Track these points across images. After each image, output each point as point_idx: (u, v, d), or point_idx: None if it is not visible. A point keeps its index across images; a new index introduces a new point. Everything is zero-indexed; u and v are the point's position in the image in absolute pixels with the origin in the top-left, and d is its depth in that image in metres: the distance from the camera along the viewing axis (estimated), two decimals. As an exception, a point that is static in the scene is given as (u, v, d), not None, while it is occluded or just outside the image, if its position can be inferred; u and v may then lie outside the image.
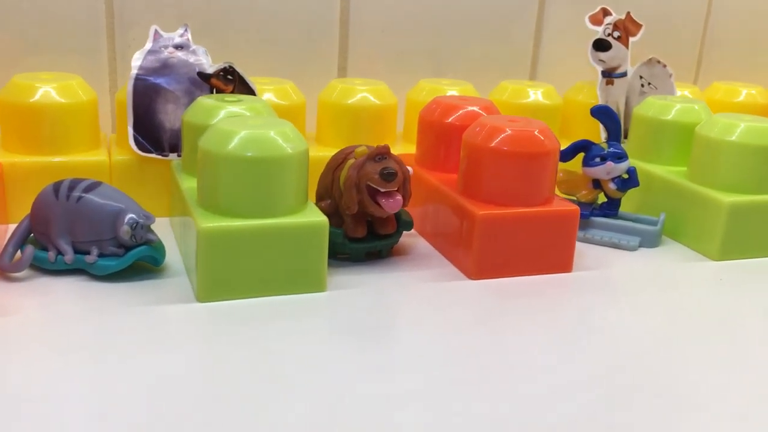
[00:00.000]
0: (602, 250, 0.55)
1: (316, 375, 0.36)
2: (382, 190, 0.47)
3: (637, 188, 0.60)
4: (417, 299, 0.46)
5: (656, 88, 0.68)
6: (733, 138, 0.54)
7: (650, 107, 0.62)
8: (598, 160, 0.56)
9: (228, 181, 0.43)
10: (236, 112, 0.49)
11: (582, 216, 0.57)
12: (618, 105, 0.67)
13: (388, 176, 0.46)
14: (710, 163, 0.56)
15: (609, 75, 0.66)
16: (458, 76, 0.71)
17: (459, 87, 0.64)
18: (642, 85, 0.68)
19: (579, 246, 0.55)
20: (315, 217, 0.44)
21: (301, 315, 0.42)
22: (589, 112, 0.57)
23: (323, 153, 0.53)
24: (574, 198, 0.58)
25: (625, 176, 0.57)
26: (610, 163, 0.56)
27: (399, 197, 0.47)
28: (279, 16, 0.64)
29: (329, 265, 0.47)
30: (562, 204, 0.50)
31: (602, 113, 0.56)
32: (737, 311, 0.47)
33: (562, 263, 0.50)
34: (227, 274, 0.42)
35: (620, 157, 0.56)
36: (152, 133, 0.53)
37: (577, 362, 0.39)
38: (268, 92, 0.57)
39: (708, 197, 0.55)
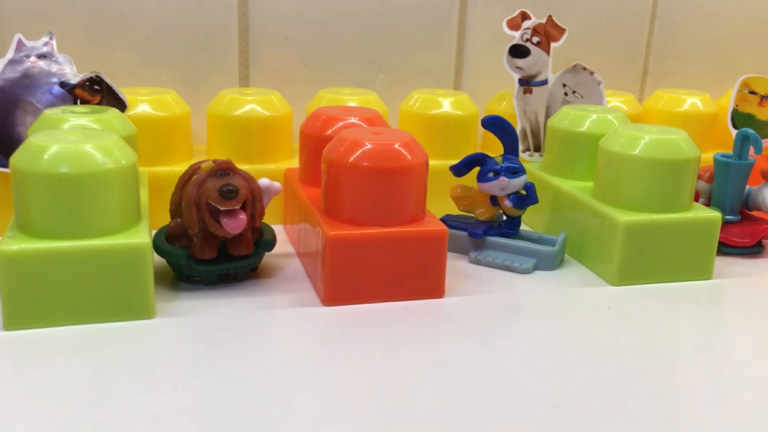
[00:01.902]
0: (493, 273, 0.51)
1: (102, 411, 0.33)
2: (222, 208, 0.43)
3: (550, 206, 0.56)
4: (249, 328, 0.42)
5: (582, 97, 0.63)
6: (636, 152, 0.50)
7: (564, 118, 0.58)
8: (491, 175, 0.52)
9: (36, 199, 0.40)
10: (81, 125, 0.46)
11: (474, 235, 0.53)
12: (537, 116, 0.62)
13: (227, 193, 0.43)
14: (613, 179, 0.51)
15: (527, 83, 0.62)
16: (372, 86, 0.67)
17: (360, 97, 0.61)
18: (566, 94, 0.63)
19: (469, 268, 0.51)
20: (136, 238, 0.41)
21: (119, 344, 0.39)
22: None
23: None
24: (473, 216, 0.55)
25: (523, 192, 0.53)
26: (503, 179, 0.52)
27: (242, 216, 0.44)
28: (177, 26, 0.61)
29: (177, 288, 0.44)
30: (431, 223, 0.46)
31: (494, 125, 0.52)
32: (611, 347, 0.42)
33: (432, 288, 0.46)
34: (33, 300, 0.39)
35: (515, 171, 0.52)
36: (10, 146, 0.51)
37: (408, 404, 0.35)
38: (143, 103, 0.54)
39: (607, 216, 0.50)
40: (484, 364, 0.39)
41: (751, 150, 0.55)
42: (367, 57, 0.67)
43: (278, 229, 0.55)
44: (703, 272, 0.51)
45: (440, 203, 0.56)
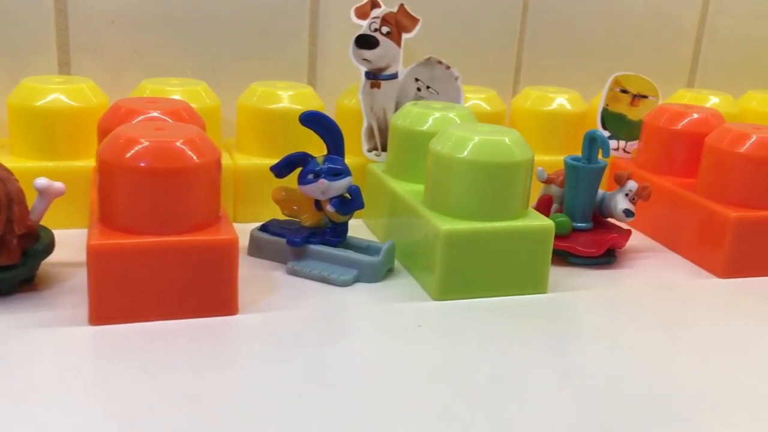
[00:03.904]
0: (309, 285, 0.46)
1: None
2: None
3: (387, 211, 0.51)
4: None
5: (437, 93, 0.59)
6: (464, 155, 0.45)
7: (406, 115, 0.53)
8: (311, 177, 0.47)
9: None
10: None
11: (293, 243, 0.48)
12: (386, 112, 0.58)
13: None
14: (441, 184, 0.47)
15: (375, 77, 0.57)
16: (214, 77, 0.61)
17: (187, 88, 0.55)
18: (419, 89, 0.59)
19: (284, 280, 0.47)
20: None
21: None
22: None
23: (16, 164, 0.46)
24: (299, 221, 0.50)
25: (347, 196, 0.48)
26: (323, 181, 0.47)
27: (-9, 222, 0.39)
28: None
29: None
30: (221, 231, 0.41)
31: (312, 121, 0.47)
32: (399, 372, 0.37)
33: (223, 304, 0.41)
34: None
35: (338, 173, 0.47)
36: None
37: None
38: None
39: (430, 223, 0.46)
40: (245, 396, 0.34)
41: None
42: (208, 45, 0.61)
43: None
44: (537, 285, 0.47)
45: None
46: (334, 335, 0.41)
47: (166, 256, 0.39)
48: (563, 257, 0.52)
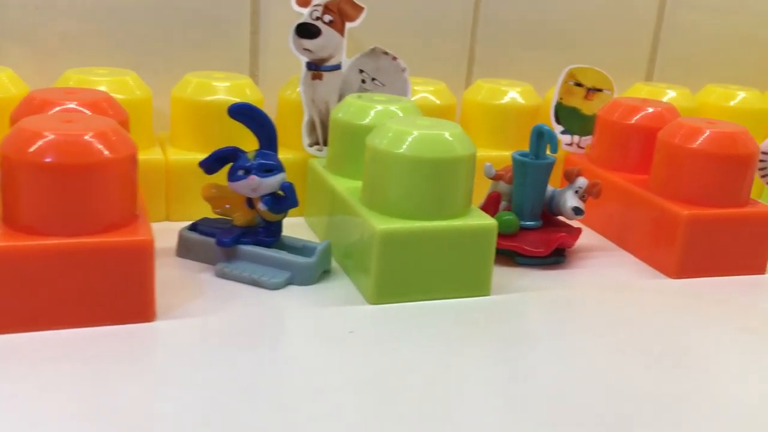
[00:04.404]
0: (238, 288, 0.43)
1: None
2: None
3: (327, 209, 0.49)
4: None
5: (383, 85, 0.56)
6: (401, 150, 0.43)
7: (346, 109, 0.51)
8: (241, 173, 0.44)
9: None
10: None
11: (222, 243, 0.45)
12: (328, 105, 0.55)
13: None
14: (379, 181, 0.44)
15: (317, 67, 0.55)
16: (149, 68, 0.58)
17: (114, 78, 0.52)
18: (363, 81, 0.56)
19: (213, 283, 0.44)
20: None
21: None
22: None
23: None
24: (231, 220, 0.47)
25: (280, 193, 0.46)
26: (254, 178, 0.44)
27: None
28: None
29: None
30: (134, 231, 0.38)
31: (242, 114, 0.44)
32: (321, 383, 0.35)
33: (138, 310, 0.38)
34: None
35: (270, 169, 0.45)
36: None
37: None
38: None
39: (367, 223, 0.43)
40: (157, 411, 0.31)
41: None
42: (143, 33, 0.58)
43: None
44: (480, 287, 0.44)
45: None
46: (259, 342, 0.38)
47: (73, 259, 0.36)
48: (511, 257, 0.50)
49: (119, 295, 0.37)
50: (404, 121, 0.45)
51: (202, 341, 0.38)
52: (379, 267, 0.42)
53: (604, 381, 0.37)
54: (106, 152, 0.37)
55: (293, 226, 0.54)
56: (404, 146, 0.43)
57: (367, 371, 0.36)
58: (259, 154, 0.45)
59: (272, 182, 0.44)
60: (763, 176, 0.56)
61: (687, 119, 0.52)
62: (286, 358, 0.37)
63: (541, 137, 0.49)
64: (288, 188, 0.45)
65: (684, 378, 0.37)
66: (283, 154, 0.56)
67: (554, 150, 0.49)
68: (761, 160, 0.56)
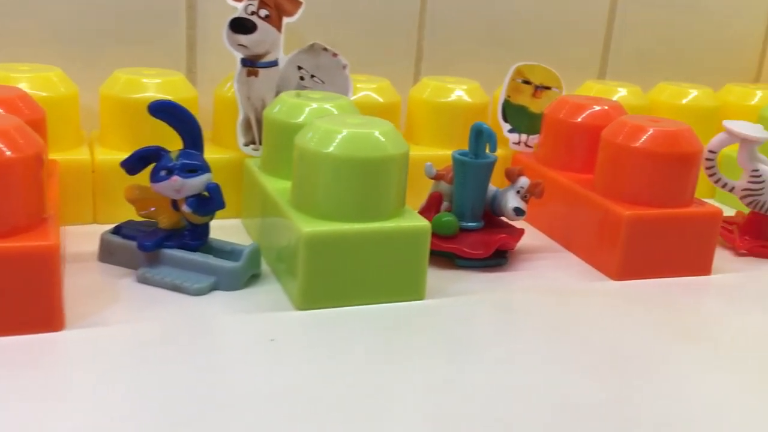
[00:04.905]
0: (160, 294, 0.41)
1: None
2: None
3: (259, 211, 0.47)
4: None
5: (323, 82, 0.55)
6: (330, 149, 0.41)
7: (280, 107, 0.49)
8: (163, 173, 0.42)
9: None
10: None
11: (143, 248, 0.43)
12: (264, 102, 0.53)
13: None
14: (308, 181, 0.42)
15: (252, 64, 0.53)
16: (76, 64, 0.56)
17: (37, 74, 0.49)
18: (302, 78, 0.54)
19: (133, 289, 0.42)
20: None
21: None
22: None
23: None
24: (156, 222, 0.45)
25: (206, 195, 0.44)
26: (176, 178, 0.42)
27: None
28: None
29: None
30: (41, 236, 0.35)
31: (163, 111, 0.42)
32: (223, 397, 0.33)
33: (46, 319, 0.36)
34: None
35: (193, 170, 0.43)
36: None
37: None
38: None
39: (294, 226, 0.41)
40: (61, 428, 0.29)
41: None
42: (74, 28, 0.56)
43: None
44: (413, 291, 0.43)
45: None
46: (173, 352, 0.36)
47: (-29, 266, 0.34)
48: (451, 260, 0.49)
49: (23, 303, 0.35)
50: (334, 119, 0.43)
51: (111, 352, 0.36)
52: (305, 271, 0.40)
53: (541, 390, 0.35)
54: (8, 152, 0.35)
55: (229, 229, 0.52)
56: (333, 145, 0.41)
57: (286, 381, 0.34)
58: (182, 153, 0.43)
59: (196, 183, 0.42)
60: (710, 175, 0.55)
61: (630, 117, 0.51)
62: (202, 368, 0.35)
63: (480, 136, 0.48)
64: (213, 189, 0.43)
65: (624, 385, 0.36)
66: (220, 154, 0.54)
67: (493, 149, 0.48)
68: (708, 159, 0.55)
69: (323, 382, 0.34)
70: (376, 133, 0.41)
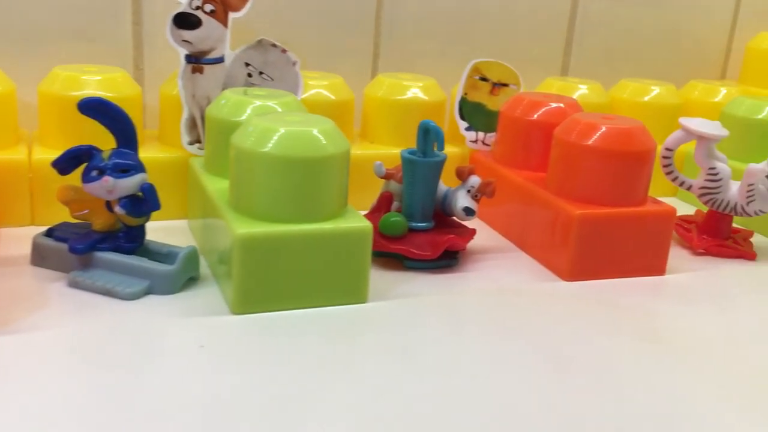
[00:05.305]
0: (90, 299, 0.40)
1: None
2: None
3: (200, 212, 0.45)
4: None
5: (272, 79, 0.53)
6: (267, 148, 0.40)
7: (222, 105, 0.47)
8: (95, 173, 0.41)
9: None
10: None
11: (75, 250, 0.41)
12: (210, 100, 0.52)
13: None
14: (244, 181, 0.41)
15: (197, 60, 0.51)
16: (20, 61, 0.54)
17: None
18: (250, 75, 0.53)
19: (64, 294, 0.40)
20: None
21: None
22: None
23: None
24: (90, 224, 0.43)
25: (140, 195, 0.42)
26: (108, 179, 0.41)
27: None
28: None
29: None
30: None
31: (93, 109, 0.41)
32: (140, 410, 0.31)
33: (-38, 327, 0.35)
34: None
35: (126, 170, 0.41)
36: None
37: None
38: None
39: (229, 227, 0.40)
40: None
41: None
42: (13, 24, 0.54)
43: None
44: (355, 294, 0.41)
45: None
46: (99, 359, 0.35)
47: None
48: (400, 261, 0.48)
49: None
50: (273, 117, 0.42)
51: (36, 359, 0.34)
52: (241, 274, 0.39)
53: (488, 396, 0.34)
54: None
55: (175, 230, 0.51)
56: (269, 145, 0.40)
57: (215, 389, 0.33)
58: (114, 153, 0.41)
59: (129, 183, 0.41)
60: (668, 173, 0.54)
61: (583, 115, 0.50)
62: (126, 375, 0.33)
63: (427, 134, 0.46)
64: (148, 190, 0.42)
65: (574, 390, 0.35)
66: (166, 153, 0.53)
67: (441, 147, 0.46)
68: (665, 157, 0.54)
69: (254, 390, 0.33)
70: (315, 132, 0.40)
